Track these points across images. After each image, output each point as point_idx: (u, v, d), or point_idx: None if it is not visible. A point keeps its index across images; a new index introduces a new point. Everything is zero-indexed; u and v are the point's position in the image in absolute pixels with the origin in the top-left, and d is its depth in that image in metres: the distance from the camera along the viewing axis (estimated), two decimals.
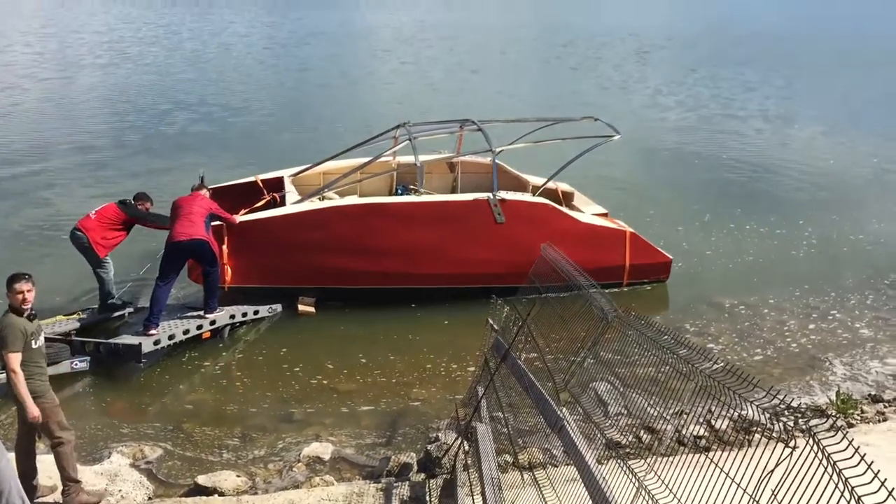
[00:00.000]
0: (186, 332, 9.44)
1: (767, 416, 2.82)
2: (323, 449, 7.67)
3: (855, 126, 22.98)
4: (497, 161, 12.07)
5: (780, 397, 2.89)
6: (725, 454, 4.15)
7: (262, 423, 8.16)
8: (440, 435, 7.44)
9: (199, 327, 9.58)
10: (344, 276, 10.48)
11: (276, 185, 11.55)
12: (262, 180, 11.65)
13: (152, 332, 9.21)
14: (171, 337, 9.26)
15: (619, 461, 4.12)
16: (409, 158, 11.33)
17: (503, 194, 10.71)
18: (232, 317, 9.95)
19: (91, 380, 8.92)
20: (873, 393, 8.79)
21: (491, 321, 7.60)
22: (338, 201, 10.96)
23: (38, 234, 12.92)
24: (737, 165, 18.28)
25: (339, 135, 19.40)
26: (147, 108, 23.26)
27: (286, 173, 11.85)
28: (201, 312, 9.75)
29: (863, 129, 22.50)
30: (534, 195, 11.17)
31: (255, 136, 20.08)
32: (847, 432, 2.51)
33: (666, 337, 4.02)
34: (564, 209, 11.05)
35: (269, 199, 11.26)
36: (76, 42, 36.85)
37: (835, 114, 24.88)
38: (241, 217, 10.25)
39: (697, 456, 3.85)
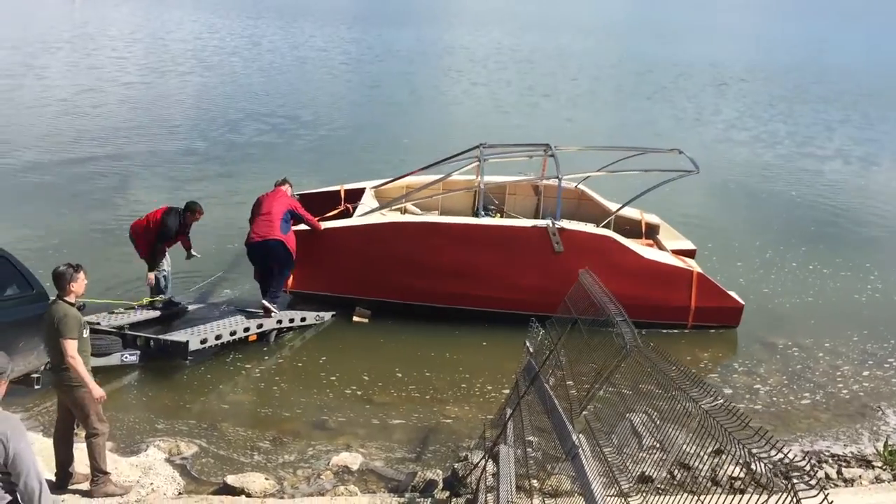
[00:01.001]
0: (233, 333, 9.66)
1: (749, 458, 2.73)
2: (352, 459, 7.74)
3: None
4: (583, 188, 12.02)
5: (767, 438, 2.80)
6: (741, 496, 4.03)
7: (296, 429, 8.30)
8: (468, 454, 7.43)
9: (247, 329, 9.80)
10: (401, 290, 10.55)
11: (358, 196, 11.68)
12: (345, 190, 11.84)
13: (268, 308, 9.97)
14: (218, 337, 9.49)
15: (620, 498, 4.05)
16: (492, 178, 11.35)
17: (563, 223, 10.57)
18: (279, 322, 10.14)
19: (139, 373, 9.21)
20: None
21: (528, 343, 7.55)
22: (403, 217, 11.11)
23: (104, 232, 13.39)
24: (806, 204, 17.74)
25: (404, 151, 19.64)
26: (219, 116, 23.82)
27: (369, 185, 12.03)
28: (259, 311, 10.00)
29: None
30: (598, 225, 10.99)
31: (320, 150, 20.37)
32: (825, 488, 2.41)
33: (672, 368, 3.94)
34: (628, 243, 10.66)
35: (342, 209, 11.42)
36: (160, 49, 38.07)
37: None
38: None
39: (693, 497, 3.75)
